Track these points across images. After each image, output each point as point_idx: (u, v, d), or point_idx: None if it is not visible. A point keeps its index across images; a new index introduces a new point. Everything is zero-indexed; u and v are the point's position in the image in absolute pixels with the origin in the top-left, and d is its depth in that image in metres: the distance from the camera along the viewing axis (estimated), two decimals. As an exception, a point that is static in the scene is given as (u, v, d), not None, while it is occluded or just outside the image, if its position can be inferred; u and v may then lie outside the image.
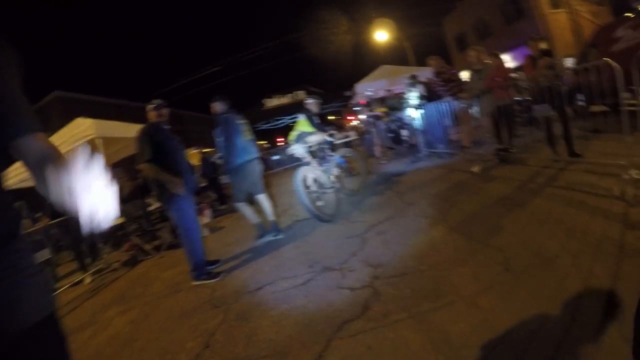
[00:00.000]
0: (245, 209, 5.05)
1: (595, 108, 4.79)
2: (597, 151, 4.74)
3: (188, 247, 4.16)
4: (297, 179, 5.05)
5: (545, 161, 5.22)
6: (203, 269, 4.21)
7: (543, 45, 5.37)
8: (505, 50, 17.43)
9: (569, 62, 9.64)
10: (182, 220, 4.11)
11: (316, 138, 5.77)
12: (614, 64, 3.53)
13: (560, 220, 3.21)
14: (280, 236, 5.06)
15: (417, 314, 2.35)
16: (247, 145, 4.82)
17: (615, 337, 1.73)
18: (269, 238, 5.04)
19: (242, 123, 4.90)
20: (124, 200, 7.16)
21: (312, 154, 5.77)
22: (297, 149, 5.77)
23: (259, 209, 5.15)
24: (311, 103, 6.14)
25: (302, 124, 5.91)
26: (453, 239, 3.44)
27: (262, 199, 5.02)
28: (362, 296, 2.79)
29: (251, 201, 5.09)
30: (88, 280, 5.75)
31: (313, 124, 5.81)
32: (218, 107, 4.91)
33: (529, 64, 5.36)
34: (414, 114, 8.64)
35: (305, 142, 5.76)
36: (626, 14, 8.72)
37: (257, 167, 4.98)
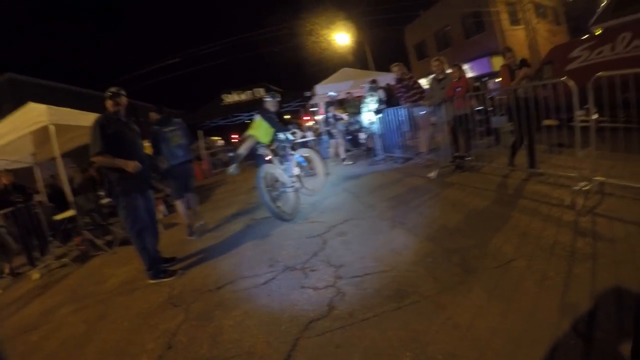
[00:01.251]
0: (180, 207, 5.59)
1: (547, 122, 5.06)
2: (549, 163, 5.03)
3: (138, 246, 3.98)
4: (259, 177, 5.01)
5: (501, 170, 5.49)
6: (159, 266, 4.07)
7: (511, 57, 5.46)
8: (463, 61, 18.16)
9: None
10: (130, 218, 3.92)
11: (249, 144, 5.83)
12: (571, 82, 3.77)
13: (515, 226, 3.41)
14: (204, 235, 5.48)
15: (382, 313, 2.40)
16: (175, 151, 5.40)
17: (570, 334, 1.86)
18: (194, 237, 5.47)
19: (169, 131, 5.43)
20: (75, 192, 6.81)
21: (274, 152, 5.74)
22: (238, 159, 5.88)
23: (212, 206, 5.50)
24: (269, 101, 6.01)
25: (258, 124, 5.85)
26: (412, 241, 3.55)
27: (191, 197, 5.65)
28: (326, 296, 2.81)
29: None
30: (37, 275, 5.40)
31: (272, 124, 5.77)
32: (152, 116, 5.65)
33: (506, 74, 5.33)
34: (371, 118, 8.82)
35: (243, 150, 5.82)
36: (583, 37, 9.33)
37: (185, 169, 5.57)
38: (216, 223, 6.22)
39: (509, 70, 5.29)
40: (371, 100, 8.80)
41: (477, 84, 11.02)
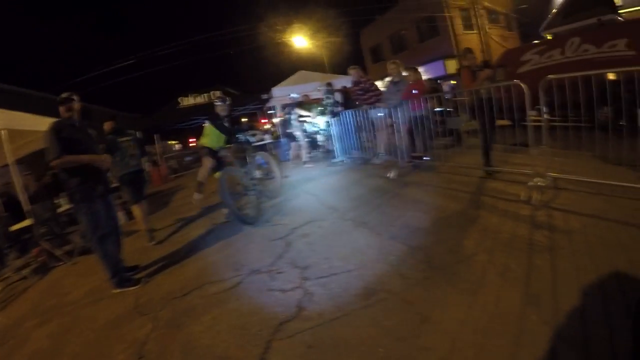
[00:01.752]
0: (138, 211, 5.64)
1: (501, 122, 5.28)
2: (504, 161, 5.25)
3: (100, 254, 3.86)
4: (221, 180, 4.96)
5: (458, 169, 5.69)
6: (123, 275, 3.96)
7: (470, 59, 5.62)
8: (418, 64, 18.65)
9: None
10: (92, 224, 3.80)
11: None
12: (523, 85, 3.97)
13: (475, 222, 3.56)
14: (154, 242, 5.46)
15: (351, 312, 2.45)
16: (129, 161, 5.51)
17: (536, 321, 1.98)
18: (154, 242, 5.46)
19: (124, 141, 5.55)
20: (31, 200, 6.51)
21: (234, 154, 5.72)
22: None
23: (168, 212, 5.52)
24: (219, 106, 5.98)
25: (210, 131, 5.82)
26: (376, 240, 3.62)
27: (139, 206, 5.59)
28: (294, 297, 2.83)
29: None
30: (-5, 290, 5.13)
31: (222, 130, 5.75)
32: (106, 126, 5.72)
33: (468, 75, 5.44)
34: (321, 122, 8.97)
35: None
36: (534, 42, 9.78)
37: (138, 178, 5.66)
38: (177, 228, 6.11)
39: (471, 72, 5.41)
40: (328, 103, 8.90)
41: (436, 84, 11.34)
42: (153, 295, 3.58)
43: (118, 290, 3.87)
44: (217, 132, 5.75)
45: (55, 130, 3.66)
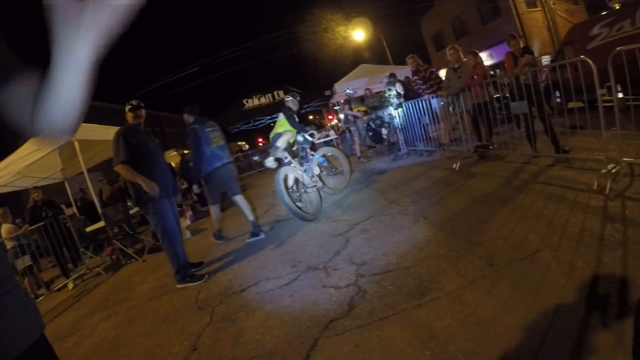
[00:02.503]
0: (215, 211, 5.44)
1: (572, 104, 4.87)
2: (575, 147, 4.83)
3: (169, 251, 4.08)
4: (278, 179, 5.04)
5: (524, 157, 5.31)
6: (186, 271, 4.16)
7: (521, 43, 5.40)
8: (482, 48, 17.75)
9: (546, 60, 9.82)
10: (161, 224, 4.03)
11: (286, 137, 5.84)
12: (590, 61, 3.60)
13: (541, 215, 3.27)
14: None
15: (402, 311, 2.36)
16: (216, 152, 5.04)
17: (599, 327, 1.78)
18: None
19: (210, 131, 5.06)
20: (105, 203, 7.05)
21: (293, 153, 5.77)
22: (276, 153, 5.78)
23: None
24: (290, 101, 6.15)
25: (282, 123, 5.90)
26: (435, 235, 3.47)
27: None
28: (347, 295, 2.79)
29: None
30: (71, 286, 5.63)
31: (292, 123, 5.82)
32: (186, 118, 5.20)
33: (510, 61, 5.38)
34: (393, 113, 8.73)
35: (281, 144, 5.80)
36: (602, 13, 8.93)
37: (229, 171, 5.24)
38: (242, 226, 6.30)
39: (514, 57, 5.34)
40: (390, 95, 8.70)
41: (492, 72, 10.75)
42: (213, 290, 3.74)
43: (181, 286, 4.08)
44: (288, 124, 5.90)
45: (124, 135, 3.91)
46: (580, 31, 8.24)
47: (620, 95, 3.46)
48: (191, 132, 4.95)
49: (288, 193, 5.07)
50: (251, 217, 5.18)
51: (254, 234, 5.13)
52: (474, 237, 3.18)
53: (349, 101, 10.29)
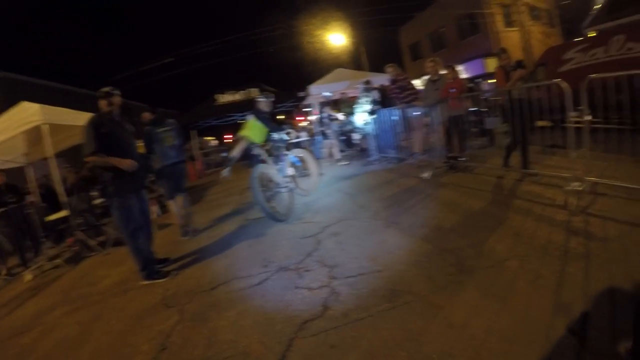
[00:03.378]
0: (173, 206, 5.67)
1: (541, 123, 5.08)
2: (542, 164, 5.06)
3: (131, 247, 3.95)
4: (253, 177, 4.99)
5: (494, 171, 5.51)
6: (153, 267, 4.04)
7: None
8: (458, 62, 18.28)
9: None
10: (124, 219, 3.89)
11: (242, 146, 5.81)
12: (564, 84, 3.79)
13: (509, 226, 3.43)
14: (198, 235, 5.48)
15: (377, 313, 2.40)
16: (167, 152, 5.41)
17: (564, 331, 1.88)
18: (188, 237, 5.48)
19: (162, 131, 5.46)
20: (68, 192, 6.76)
21: (268, 152, 5.73)
22: (231, 162, 5.84)
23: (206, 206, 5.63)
24: (263, 102, 5.99)
25: (251, 125, 5.84)
26: (406, 241, 3.56)
27: (182, 198, 5.62)
28: (320, 296, 2.81)
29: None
30: (29, 277, 5.34)
31: (266, 124, 5.76)
32: (145, 116, 5.67)
33: (501, 75, 5.31)
34: (365, 119, 8.85)
35: (235, 154, 5.81)
36: (577, 39, 9.41)
37: (178, 169, 5.57)
38: (210, 223, 6.21)
39: (504, 72, 5.27)
40: (365, 101, 8.81)
41: (471, 84, 11.06)
42: (181, 288, 3.64)
43: (147, 282, 3.96)
44: (260, 126, 5.78)
45: (94, 124, 3.75)
46: (555, 54, 8.64)
47: (589, 117, 3.65)
48: (145, 133, 5.40)
49: (262, 192, 5.03)
50: (182, 221, 5.63)
51: (191, 233, 5.56)
52: (444, 244, 3.28)
53: (327, 103, 10.26)
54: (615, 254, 2.56)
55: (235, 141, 6.02)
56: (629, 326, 1.82)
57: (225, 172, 6.06)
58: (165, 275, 4.01)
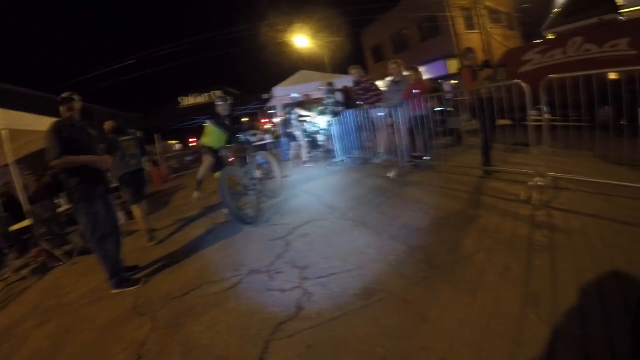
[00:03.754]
0: (137, 212, 5.73)
1: (502, 122, 5.26)
2: (505, 161, 5.24)
3: (99, 255, 3.85)
4: (221, 179, 4.94)
5: (457, 169, 5.68)
6: (122, 275, 3.95)
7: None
8: (420, 64, 18.67)
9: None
10: (90, 225, 3.79)
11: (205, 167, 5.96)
12: (524, 84, 3.96)
13: (474, 222, 3.55)
14: (154, 242, 5.50)
15: (350, 312, 2.44)
16: (129, 160, 5.60)
17: (535, 321, 1.98)
18: (154, 242, 5.52)
19: (125, 140, 5.65)
20: (31, 200, 6.51)
21: (234, 154, 5.71)
22: (201, 186, 5.91)
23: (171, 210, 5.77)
24: (221, 105, 5.98)
25: (210, 131, 5.81)
26: (375, 240, 3.61)
27: (139, 206, 5.69)
28: (293, 297, 2.82)
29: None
30: (-6, 290, 5.11)
31: (224, 129, 5.75)
32: (108, 124, 5.82)
33: (469, 75, 5.31)
34: (321, 121, 9.00)
35: (200, 176, 5.88)
36: (536, 41, 9.75)
37: (138, 177, 5.73)
38: (177, 228, 6.12)
39: (471, 71, 5.32)
40: (329, 103, 8.89)
41: (437, 85, 11.32)
42: (152, 295, 3.57)
43: (117, 291, 3.86)
44: (218, 131, 5.75)
45: (56, 130, 3.66)
46: (514, 55, 8.95)
47: (548, 116, 3.82)
48: (107, 141, 5.46)
49: (230, 195, 4.98)
50: (142, 226, 5.74)
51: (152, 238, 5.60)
52: (412, 242, 3.35)
53: (294, 105, 10.14)
54: (579, 245, 2.70)
55: (199, 152, 6.00)
56: (597, 313, 1.93)
57: (196, 195, 6.15)
58: (135, 282, 3.92)
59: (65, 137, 3.66)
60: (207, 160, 5.90)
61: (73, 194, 3.75)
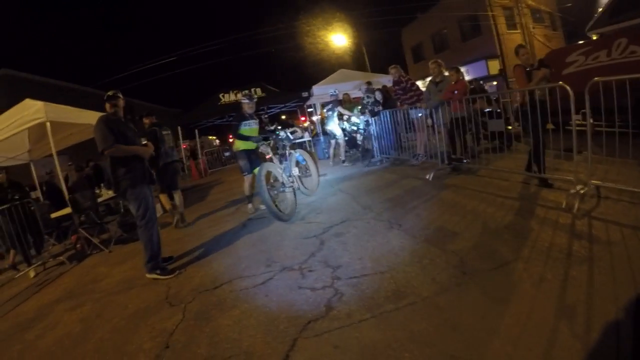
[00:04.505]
0: (162, 198, 6.55)
1: (548, 126, 5.03)
2: (547, 167, 5.01)
3: (145, 236, 4.04)
4: (260, 175, 4.98)
5: (496, 173, 5.51)
6: (158, 262, 4.11)
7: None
8: (460, 64, 18.32)
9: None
10: (142, 208, 4.02)
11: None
12: (567, 87, 3.78)
13: (512, 228, 3.43)
14: (189, 226, 6.23)
15: (380, 314, 2.41)
16: (168, 151, 6.27)
17: (567, 335, 1.89)
18: (182, 225, 6.27)
19: (165, 134, 6.29)
20: (71, 190, 6.79)
21: (273, 150, 5.75)
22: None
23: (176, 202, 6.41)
24: (247, 103, 6.07)
25: (247, 132, 5.92)
26: (410, 242, 3.55)
27: (177, 194, 6.37)
28: (324, 296, 2.81)
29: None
30: (32, 273, 5.35)
31: (238, 137, 5.96)
32: (147, 120, 6.43)
33: (522, 74, 4.80)
34: (360, 121, 8.98)
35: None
36: (579, 42, 9.38)
37: (174, 168, 6.41)
38: (212, 222, 6.23)
39: (524, 70, 4.80)
40: (368, 102, 8.82)
41: (481, 83, 11.08)
42: (184, 286, 3.65)
43: (151, 276, 4.01)
44: (249, 130, 5.90)
45: (106, 122, 3.94)
46: (557, 57, 8.61)
47: (591, 120, 3.66)
48: (150, 133, 5.93)
49: (268, 190, 5.03)
50: (182, 209, 6.43)
51: (184, 223, 6.34)
52: (447, 246, 3.28)
53: (335, 102, 10.04)
54: (619, 258, 2.57)
55: (237, 159, 6.28)
56: (632, 330, 1.83)
57: (250, 208, 6.22)
58: (169, 272, 4.05)
59: (114, 129, 3.92)
60: (247, 179, 6.09)
61: (121, 181, 3.97)
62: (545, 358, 1.77)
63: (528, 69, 4.78)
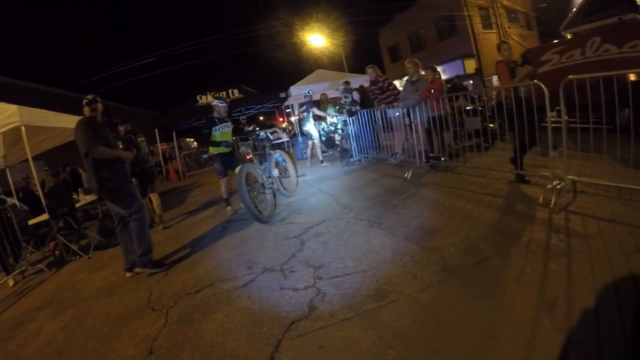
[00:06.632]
0: (154, 198, 6.57)
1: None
2: (523, 163, 5.11)
3: (140, 229, 4.12)
4: (240, 177, 4.95)
5: (474, 170, 5.60)
6: (151, 256, 4.20)
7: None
8: (437, 64, 18.60)
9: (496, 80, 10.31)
10: (131, 203, 4.12)
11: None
12: (542, 85, 3.87)
13: (491, 225, 3.49)
14: (168, 229, 6.35)
15: (363, 313, 2.42)
16: (144, 157, 6.44)
17: (549, 327, 1.93)
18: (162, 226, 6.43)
19: (140, 141, 6.44)
20: (48, 195, 6.63)
21: (252, 151, 5.74)
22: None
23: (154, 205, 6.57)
24: (222, 107, 6.07)
25: (218, 137, 5.89)
26: (390, 240, 3.58)
27: (154, 196, 6.52)
28: (306, 297, 2.81)
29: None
30: (11, 282, 5.20)
31: (209, 143, 5.97)
32: (124, 127, 6.44)
33: (506, 71, 4.70)
34: (337, 121, 8.96)
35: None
36: (554, 41, 9.57)
37: (150, 172, 6.56)
38: (192, 225, 6.17)
39: (508, 67, 4.71)
40: (345, 102, 8.85)
41: (470, 81, 11.21)
42: (166, 291, 3.60)
43: (144, 270, 4.12)
44: (221, 134, 5.90)
45: (87, 124, 3.98)
46: (532, 56, 8.77)
47: (566, 117, 3.74)
48: (128, 140, 5.91)
49: (248, 192, 4.99)
50: (158, 211, 6.61)
51: (162, 225, 6.50)
52: (427, 243, 3.32)
53: (310, 103, 10.03)
54: (596, 251, 2.63)
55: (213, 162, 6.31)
56: (612, 320, 1.88)
57: (229, 209, 6.31)
58: (162, 265, 4.23)
59: (97, 131, 3.98)
60: (223, 182, 6.14)
61: (106, 182, 4.00)
62: (528, 350, 1.80)
63: (511, 66, 4.74)
